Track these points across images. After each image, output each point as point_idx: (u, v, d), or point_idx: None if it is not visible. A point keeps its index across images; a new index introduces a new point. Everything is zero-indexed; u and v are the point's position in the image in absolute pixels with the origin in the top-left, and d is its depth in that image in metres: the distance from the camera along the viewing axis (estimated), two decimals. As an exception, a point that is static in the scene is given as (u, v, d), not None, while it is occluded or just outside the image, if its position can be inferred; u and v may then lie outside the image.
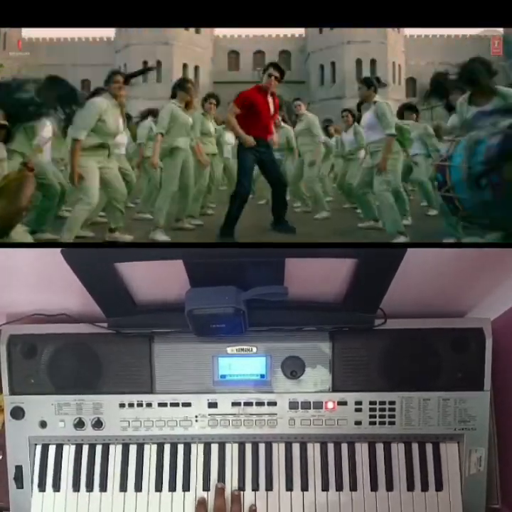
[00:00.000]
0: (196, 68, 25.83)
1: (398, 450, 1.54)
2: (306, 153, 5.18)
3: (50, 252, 1.42)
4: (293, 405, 1.54)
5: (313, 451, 1.55)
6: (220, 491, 1.52)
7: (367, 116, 3.83)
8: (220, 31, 27.46)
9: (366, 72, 24.95)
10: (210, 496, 1.54)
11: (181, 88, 3.93)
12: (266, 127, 3.64)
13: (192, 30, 25.40)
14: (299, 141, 5.30)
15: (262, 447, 1.56)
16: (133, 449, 1.58)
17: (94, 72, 25.58)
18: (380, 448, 1.54)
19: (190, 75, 25.59)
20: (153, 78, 24.75)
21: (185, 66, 25.26)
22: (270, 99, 3.66)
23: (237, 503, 1.51)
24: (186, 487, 1.55)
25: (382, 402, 1.52)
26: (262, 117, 3.59)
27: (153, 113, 5.05)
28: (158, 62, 24.76)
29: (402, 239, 3.46)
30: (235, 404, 1.55)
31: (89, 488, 1.56)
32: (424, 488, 1.52)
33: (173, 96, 3.95)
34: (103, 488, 1.56)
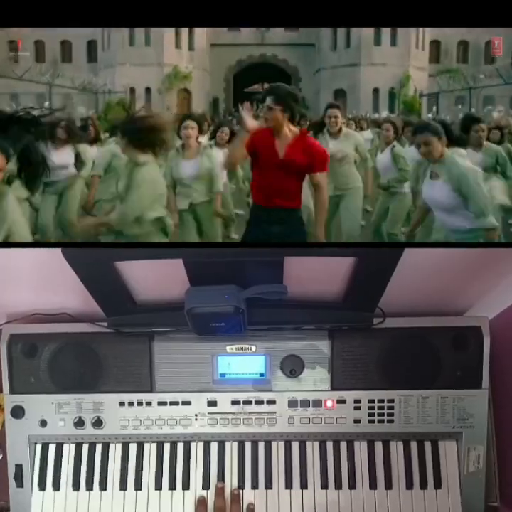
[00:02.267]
0: (191, 30, 22.99)
1: (397, 448, 1.55)
2: (346, 196, 3.45)
3: (50, 252, 1.43)
4: (292, 404, 1.55)
5: (313, 449, 1.56)
6: (219, 491, 1.53)
7: (435, 188, 2.23)
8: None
9: (386, 38, 21.98)
10: (210, 495, 1.54)
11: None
12: (268, 188, 2.22)
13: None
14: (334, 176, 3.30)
15: (261, 446, 1.57)
16: (133, 448, 1.59)
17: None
18: (378, 446, 1.55)
19: (184, 37, 22.88)
20: (142, 41, 22.29)
21: (177, 29, 22.51)
22: (278, 143, 2.23)
23: (236, 502, 1.52)
24: (186, 485, 1.55)
25: (381, 401, 1.53)
26: (262, 172, 2.25)
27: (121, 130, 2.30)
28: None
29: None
30: (234, 402, 1.56)
31: (89, 486, 1.57)
32: (423, 486, 1.52)
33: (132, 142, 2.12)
34: (103, 486, 1.57)
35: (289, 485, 1.54)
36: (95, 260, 1.41)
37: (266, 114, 2.23)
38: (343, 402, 1.54)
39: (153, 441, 1.59)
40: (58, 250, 1.39)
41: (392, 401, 1.53)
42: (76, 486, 1.57)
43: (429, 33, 22.93)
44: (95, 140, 4.22)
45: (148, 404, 1.56)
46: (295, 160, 2.22)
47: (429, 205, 2.38)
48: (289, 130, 2.25)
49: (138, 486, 1.56)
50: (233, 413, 1.56)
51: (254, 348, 1.57)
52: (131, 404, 1.57)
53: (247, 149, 2.27)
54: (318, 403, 1.55)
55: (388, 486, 1.53)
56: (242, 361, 1.57)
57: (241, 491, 1.54)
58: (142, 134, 2.12)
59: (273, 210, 2.24)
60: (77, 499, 1.56)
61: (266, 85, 2.42)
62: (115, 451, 1.59)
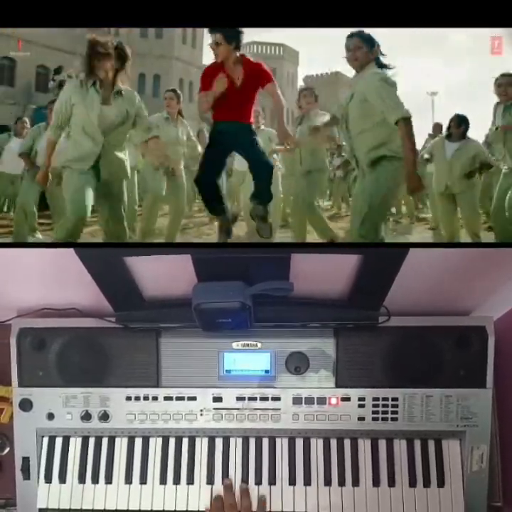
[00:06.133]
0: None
1: (400, 446, 1.56)
2: None
3: (60, 249, 1.45)
4: (297, 401, 1.56)
5: (316, 446, 1.57)
6: (228, 488, 1.53)
7: None
8: None
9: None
10: (214, 490, 1.55)
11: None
12: (225, 108, 2.71)
13: None
14: None
15: (265, 442, 1.58)
16: (138, 442, 1.60)
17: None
18: (382, 444, 1.56)
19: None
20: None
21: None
22: (230, 70, 2.64)
23: (246, 496, 1.53)
24: (190, 480, 1.57)
25: (385, 399, 1.54)
26: (219, 97, 2.69)
27: None
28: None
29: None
30: (239, 398, 1.57)
31: (95, 480, 1.59)
32: (426, 484, 1.53)
33: None
34: (108, 480, 1.58)
35: (292, 481, 1.55)
36: (105, 255, 1.43)
37: (215, 50, 2.61)
38: (348, 399, 1.55)
39: (158, 436, 1.60)
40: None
41: (396, 399, 1.54)
42: (82, 478, 1.59)
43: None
44: None
45: (155, 399, 1.58)
46: (248, 84, 2.65)
47: None
48: (235, 59, 2.63)
49: (143, 480, 1.58)
50: (238, 409, 1.57)
51: (259, 345, 1.59)
52: (137, 398, 1.58)
53: (203, 90, 2.68)
54: (322, 400, 1.56)
55: (391, 483, 1.53)
56: (248, 358, 1.59)
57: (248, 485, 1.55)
58: None
59: (230, 123, 2.70)
60: (83, 492, 1.58)
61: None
62: (121, 444, 1.61)
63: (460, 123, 3.95)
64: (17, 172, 4.62)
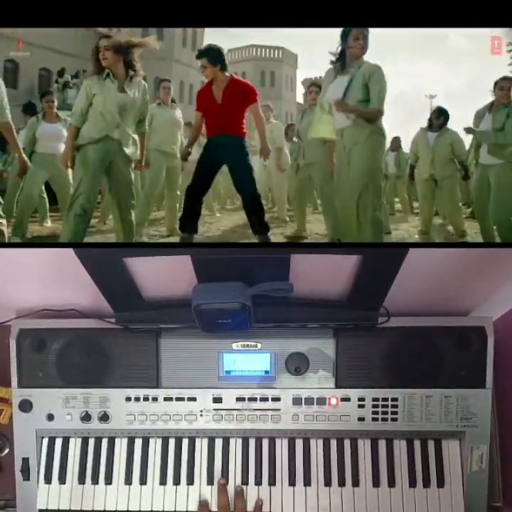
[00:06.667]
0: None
1: (400, 447, 1.56)
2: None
3: (60, 249, 1.45)
4: (296, 401, 1.56)
5: (316, 446, 1.57)
6: (222, 488, 1.54)
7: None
8: None
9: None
10: (214, 491, 1.55)
11: None
12: (213, 124, 3.22)
13: None
14: None
15: (265, 442, 1.58)
16: (138, 443, 1.60)
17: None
18: (382, 444, 1.56)
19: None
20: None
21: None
22: (216, 89, 3.18)
23: (240, 498, 1.53)
24: (190, 481, 1.57)
25: (385, 399, 1.54)
26: (207, 115, 3.25)
27: None
28: None
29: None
30: (239, 399, 1.57)
31: (95, 480, 1.59)
32: (426, 484, 1.53)
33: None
34: (108, 480, 1.58)
35: (292, 482, 1.55)
36: (105, 256, 1.43)
37: (203, 71, 3.15)
38: (348, 400, 1.55)
39: (158, 437, 1.60)
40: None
41: (396, 399, 1.54)
42: (82, 479, 1.59)
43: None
44: None
45: (155, 399, 1.58)
46: (231, 101, 3.10)
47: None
48: (223, 78, 3.14)
49: (143, 481, 1.58)
50: (238, 409, 1.57)
51: (259, 346, 1.59)
52: (137, 399, 1.58)
53: (198, 110, 3.26)
54: (322, 401, 1.56)
55: (391, 483, 1.53)
56: (248, 358, 1.59)
57: (244, 487, 1.55)
58: None
59: (220, 137, 3.12)
60: (83, 492, 1.58)
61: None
62: (121, 445, 1.61)
63: (440, 114, 4.38)
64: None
